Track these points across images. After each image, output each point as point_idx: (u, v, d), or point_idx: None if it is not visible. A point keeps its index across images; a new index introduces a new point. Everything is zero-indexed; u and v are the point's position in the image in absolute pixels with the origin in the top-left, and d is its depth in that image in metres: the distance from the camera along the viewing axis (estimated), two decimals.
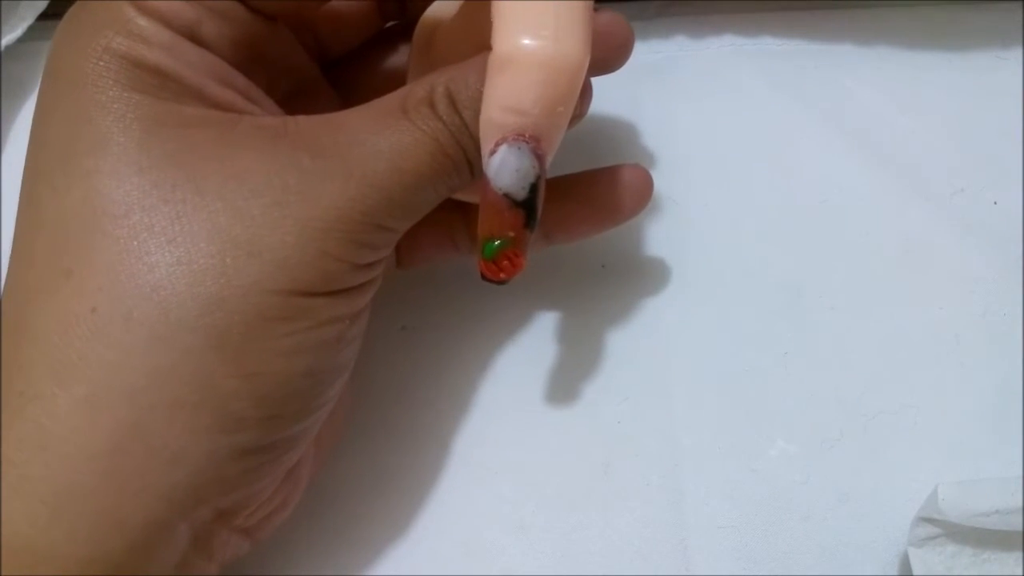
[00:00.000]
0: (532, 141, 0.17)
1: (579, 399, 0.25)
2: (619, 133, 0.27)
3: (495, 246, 0.18)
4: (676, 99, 0.28)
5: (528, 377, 0.25)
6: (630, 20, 0.28)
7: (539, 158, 0.18)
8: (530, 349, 0.25)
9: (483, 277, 0.19)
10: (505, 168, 0.17)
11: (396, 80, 0.19)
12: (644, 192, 0.23)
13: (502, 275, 0.19)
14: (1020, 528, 0.21)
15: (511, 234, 0.18)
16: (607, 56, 0.21)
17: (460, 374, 0.25)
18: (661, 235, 0.27)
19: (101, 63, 0.17)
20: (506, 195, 0.18)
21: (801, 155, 0.27)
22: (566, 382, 0.25)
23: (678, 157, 0.27)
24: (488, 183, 0.18)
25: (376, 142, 0.18)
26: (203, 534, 0.18)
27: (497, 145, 0.17)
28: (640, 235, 0.27)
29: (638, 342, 0.25)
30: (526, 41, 0.17)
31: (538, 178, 0.18)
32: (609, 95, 0.28)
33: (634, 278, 0.26)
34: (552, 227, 0.23)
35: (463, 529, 0.24)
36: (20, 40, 0.27)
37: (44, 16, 0.28)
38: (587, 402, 0.25)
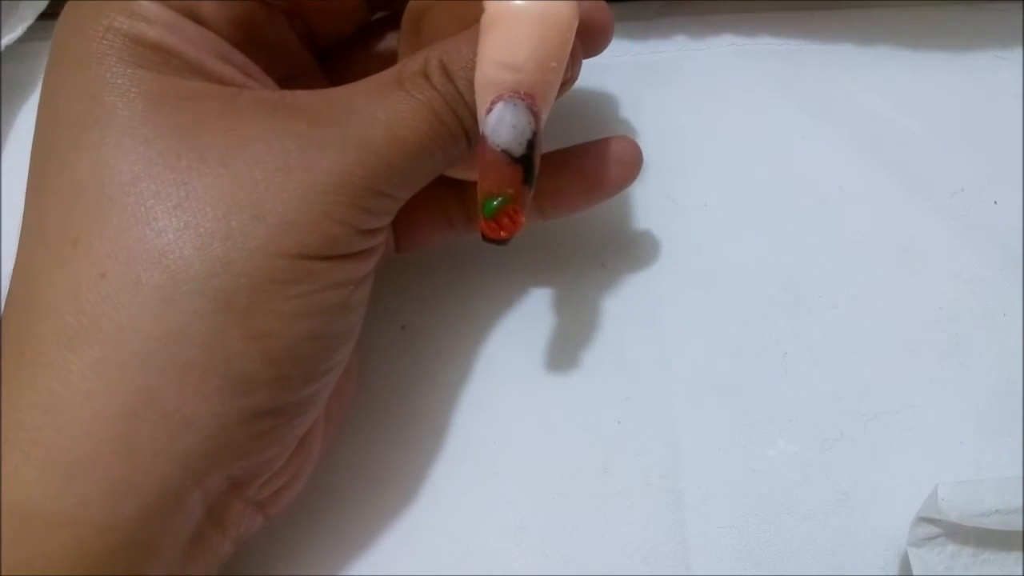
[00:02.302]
0: (527, 98, 0.18)
1: (579, 399, 0.25)
2: (619, 133, 0.27)
3: (495, 204, 0.19)
4: (676, 99, 0.28)
5: (528, 377, 0.25)
6: (630, 20, 0.29)
7: (535, 115, 0.18)
8: (530, 349, 0.25)
9: (484, 237, 0.19)
10: (502, 124, 0.18)
11: (385, 68, 0.20)
12: (633, 163, 0.24)
13: (503, 233, 0.19)
14: (1020, 528, 0.21)
15: (510, 191, 0.19)
16: (588, 38, 0.21)
17: (460, 373, 0.25)
18: (661, 235, 0.27)
19: (105, 42, 0.18)
20: (504, 152, 0.18)
21: (801, 155, 0.27)
22: (566, 382, 0.25)
23: (678, 157, 0.27)
24: (486, 141, 0.18)
25: (373, 111, 0.18)
26: (217, 506, 0.19)
27: (493, 103, 0.18)
28: (639, 235, 0.27)
29: (638, 342, 0.25)
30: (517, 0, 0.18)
31: (535, 134, 0.18)
32: (609, 95, 0.28)
33: (633, 278, 0.26)
34: (544, 200, 0.24)
35: (462, 529, 0.24)
36: (20, 40, 0.27)
37: (44, 16, 0.28)
38: (587, 402, 0.25)
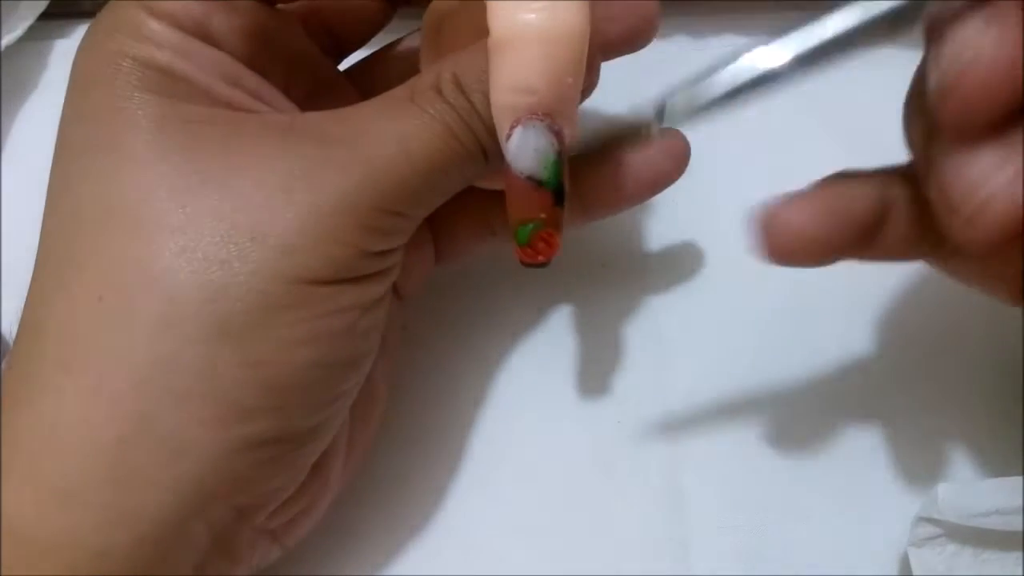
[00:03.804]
0: (546, 118, 0.17)
1: (579, 399, 0.25)
2: None
3: (529, 230, 0.18)
4: None
5: (528, 377, 0.25)
6: None
7: (556, 134, 0.17)
8: (530, 350, 0.25)
9: (522, 263, 0.19)
10: (523, 150, 0.17)
11: (415, 73, 0.20)
12: (681, 157, 0.23)
13: (540, 258, 0.18)
14: (1020, 528, 0.21)
15: (542, 215, 0.18)
16: (627, 33, 0.20)
17: (460, 374, 0.25)
18: (660, 235, 0.27)
19: (114, 66, 0.18)
20: (529, 177, 0.18)
21: (801, 155, 0.27)
22: (566, 382, 0.25)
23: None
24: (510, 168, 0.18)
25: (383, 127, 0.18)
26: (224, 535, 0.18)
27: (512, 128, 0.17)
28: (639, 235, 0.27)
29: (638, 342, 0.25)
30: (522, 17, 0.17)
31: (559, 154, 0.18)
32: (608, 95, 0.28)
33: (634, 278, 0.26)
34: (591, 202, 0.23)
35: (463, 529, 0.24)
36: (20, 40, 0.27)
37: (44, 16, 0.28)
38: (587, 402, 0.25)
